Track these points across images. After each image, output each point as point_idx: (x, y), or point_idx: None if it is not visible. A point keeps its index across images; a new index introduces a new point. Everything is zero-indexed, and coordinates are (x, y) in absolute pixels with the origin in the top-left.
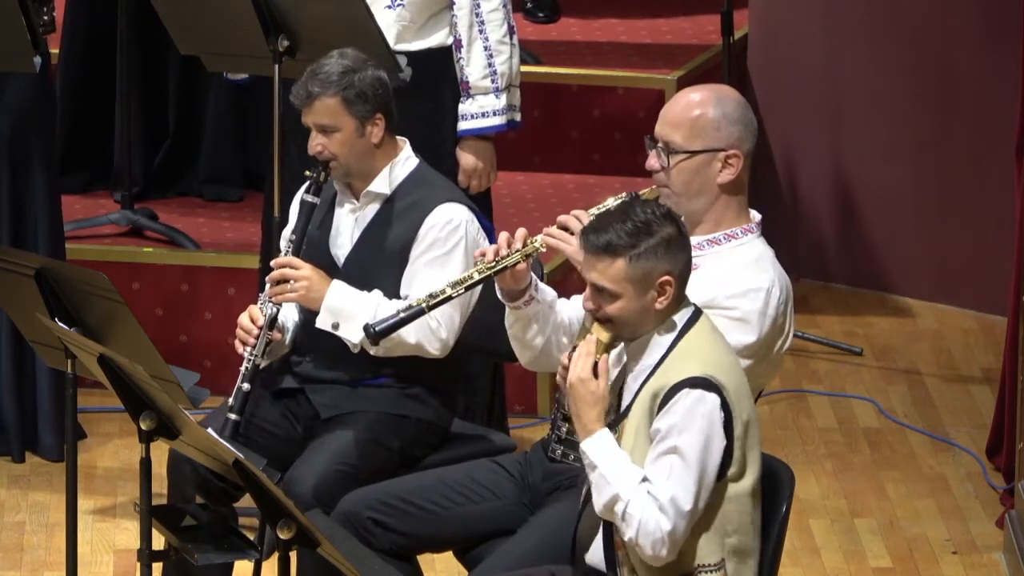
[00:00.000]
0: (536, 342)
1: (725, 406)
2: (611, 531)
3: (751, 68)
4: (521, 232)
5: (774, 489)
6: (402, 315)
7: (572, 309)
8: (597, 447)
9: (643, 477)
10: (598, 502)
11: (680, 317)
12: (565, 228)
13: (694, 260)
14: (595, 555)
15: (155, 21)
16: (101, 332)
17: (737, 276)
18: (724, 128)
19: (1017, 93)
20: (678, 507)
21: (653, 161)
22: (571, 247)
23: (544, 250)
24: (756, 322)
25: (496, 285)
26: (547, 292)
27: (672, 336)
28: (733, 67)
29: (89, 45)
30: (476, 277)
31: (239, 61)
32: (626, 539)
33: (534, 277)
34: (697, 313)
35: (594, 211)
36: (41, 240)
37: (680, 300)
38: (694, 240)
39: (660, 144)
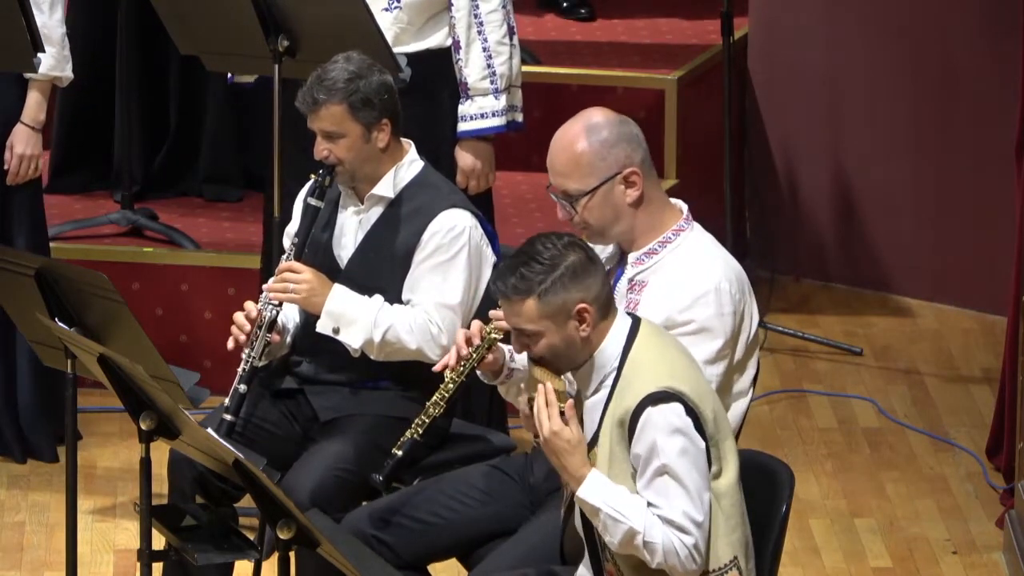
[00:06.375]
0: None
1: (690, 411)
2: (597, 552)
3: (751, 68)
4: (476, 325)
5: (774, 489)
6: (399, 454)
7: None
8: (593, 491)
9: (647, 503)
10: (613, 541)
11: (618, 331)
12: None
13: (639, 277)
14: (583, 572)
15: (155, 21)
16: (101, 332)
17: (681, 287)
18: (609, 154)
19: (1017, 93)
20: (693, 519)
21: (561, 213)
22: None
23: (500, 336)
24: (717, 327)
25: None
26: (523, 357)
27: (617, 353)
28: (733, 67)
29: (89, 45)
30: (452, 388)
31: (239, 61)
32: (654, 566)
33: (505, 350)
34: (636, 321)
35: None
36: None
37: (606, 316)
38: (633, 257)
39: (559, 195)
